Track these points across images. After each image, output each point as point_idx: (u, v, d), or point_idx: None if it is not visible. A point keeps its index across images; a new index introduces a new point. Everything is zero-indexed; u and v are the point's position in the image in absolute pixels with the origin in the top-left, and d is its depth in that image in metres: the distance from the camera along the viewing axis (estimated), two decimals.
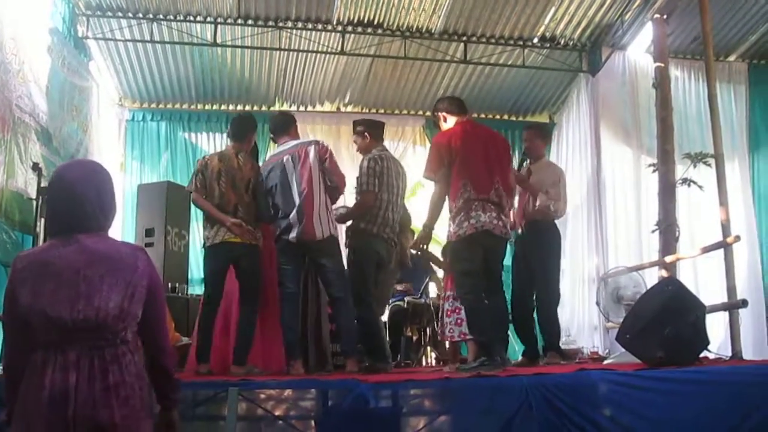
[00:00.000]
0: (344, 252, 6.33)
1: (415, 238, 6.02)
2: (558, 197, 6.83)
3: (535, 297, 6.82)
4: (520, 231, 7.01)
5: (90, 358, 2.50)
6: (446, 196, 5.80)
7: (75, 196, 2.65)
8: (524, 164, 7.29)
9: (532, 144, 7.26)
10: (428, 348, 8.72)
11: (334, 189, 6.02)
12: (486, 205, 5.66)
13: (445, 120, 6.17)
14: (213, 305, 5.94)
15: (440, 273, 8.08)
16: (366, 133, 6.57)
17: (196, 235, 9.69)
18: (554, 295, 6.88)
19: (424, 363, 8.57)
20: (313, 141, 6.14)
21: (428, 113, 12.27)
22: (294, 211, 5.76)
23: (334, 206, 6.22)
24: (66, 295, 2.51)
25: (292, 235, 5.76)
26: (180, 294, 8.23)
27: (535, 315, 6.88)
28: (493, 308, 5.84)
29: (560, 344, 6.91)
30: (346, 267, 6.15)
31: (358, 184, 6.29)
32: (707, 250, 6.80)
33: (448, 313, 7.01)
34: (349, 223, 6.40)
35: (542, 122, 12.32)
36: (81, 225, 2.64)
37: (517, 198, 6.95)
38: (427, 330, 8.50)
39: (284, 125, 6.26)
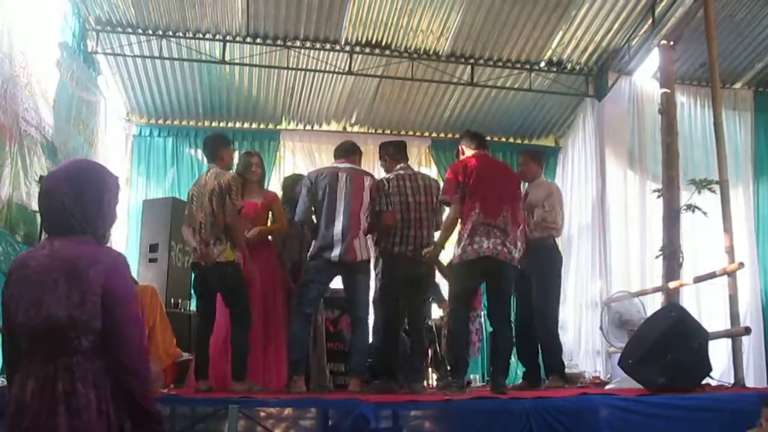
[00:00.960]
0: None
1: (425, 252, 6.06)
2: (552, 208, 6.89)
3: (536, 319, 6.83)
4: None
5: (46, 367, 2.41)
6: (459, 220, 5.88)
7: (52, 199, 2.58)
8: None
9: (527, 167, 7.37)
10: (429, 369, 8.69)
11: (387, 228, 6.18)
12: (491, 230, 5.70)
13: (463, 153, 6.37)
14: (204, 323, 5.99)
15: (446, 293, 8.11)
16: (385, 157, 6.68)
17: None
18: (553, 318, 6.89)
19: (425, 384, 8.53)
20: (369, 173, 6.37)
21: (434, 134, 12.34)
22: (339, 230, 5.83)
23: None
24: (27, 300, 2.45)
25: (334, 254, 5.82)
26: (183, 310, 8.23)
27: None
28: (499, 335, 5.91)
29: (564, 367, 6.92)
30: (375, 289, 6.28)
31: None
32: (709, 277, 6.79)
33: None
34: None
35: (538, 146, 12.32)
36: (58, 228, 2.57)
37: None
38: (429, 351, 8.48)
39: (349, 152, 6.43)
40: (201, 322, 6.02)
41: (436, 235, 6.28)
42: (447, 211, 6.19)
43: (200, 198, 5.94)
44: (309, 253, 6.04)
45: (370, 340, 6.38)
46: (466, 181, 5.83)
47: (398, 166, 6.52)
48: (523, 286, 6.88)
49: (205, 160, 6.45)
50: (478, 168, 5.90)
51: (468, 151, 6.28)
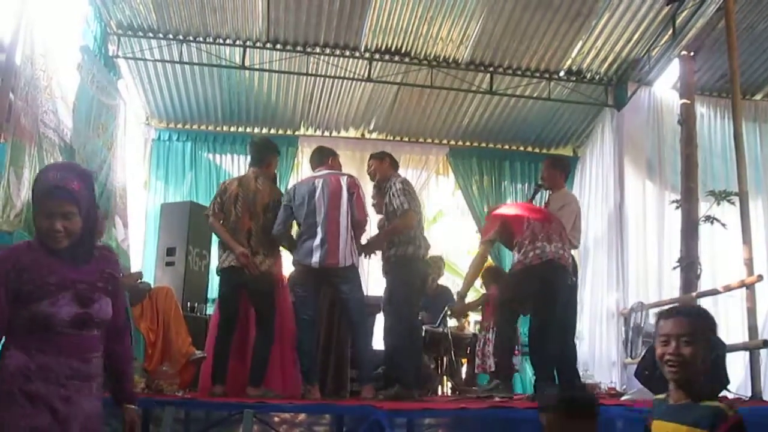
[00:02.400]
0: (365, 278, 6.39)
1: (451, 309, 6.14)
2: (567, 220, 6.86)
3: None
4: None
5: None
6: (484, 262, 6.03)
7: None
8: (537, 194, 7.45)
9: (549, 174, 7.32)
10: (444, 377, 8.69)
11: (357, 224, 6.08)
12: (552, 235, 5.78)
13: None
14: (227, 328, 6.00)
15: None
16: (386, 158, 6.62)
17: (217, 255, 9.75)
18: (570, 328, 6.88)
19: (439, 392, 8.53)
20: (346, 173, 6.26)
21: (452, 142, 12.32)
22: (318, 236, 5.82)
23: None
24: None
25: (314, 260, 5.81)
26: (199, 314, 8.24)
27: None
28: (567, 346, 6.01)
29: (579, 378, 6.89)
30: (390, 294, 6.19)
31: (387, 209, 6.29)
32: (728, 288, 6.76)
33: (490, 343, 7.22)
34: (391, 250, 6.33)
35: (556, 155, 12.21)
36: None
37: None
38: (444, 359, 8.49)
39: (321, 157, 6.40)
40: (224, 327, 6.02)
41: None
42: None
43: (249, 204, 5.96)
44: (291, 261, 6.08)
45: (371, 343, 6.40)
46: (506, 210, 6.07)
47: (394, 173, 6.56)
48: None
49: (249, 161, 6.49)
50: (511, 205, 6.12)
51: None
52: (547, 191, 7.38)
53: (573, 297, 6.66)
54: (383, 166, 6.58)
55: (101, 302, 2.80)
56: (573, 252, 7.35)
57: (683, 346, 2.60)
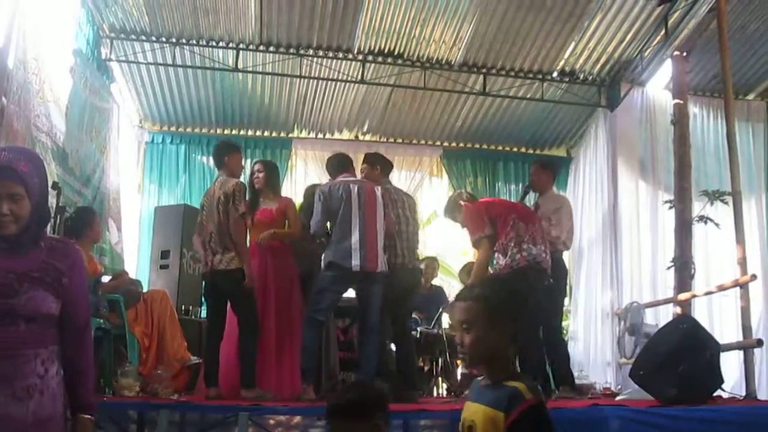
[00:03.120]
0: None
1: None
2: (558, 222, 6.90)
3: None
4: None
5: None
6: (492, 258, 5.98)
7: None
8: (526, 196, 7.49)
9: (538, 177, 7.37)
10: (440, 378, 8.69)
11: (388, 235, 6.27)
12: (536, 237, 5.82)
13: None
14: (214, 331, 6.03)
15: None
16: (377, 165, 6.70)
17: None
18: (557, 330, 6.92)
19: (435, 394, 8.53)
20: (375, 183, 6.41)
21: (446, 143, 12.33)
22: (356, 240, 5.85)
23: None
24: None
25: (355, 263, 5.81)
26: (193, 317, 8.25)
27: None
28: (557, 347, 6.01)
29: (574, 378, 6.91)
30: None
31: None
32: (722, 288, 6.77)
33: None
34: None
35: (550, 156, 12.27)
36: None
37: None
38: (439, 360, 8.48)
39: (346, 164, 6.52)
40: (211, 330, 6.07)
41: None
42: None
43: (209, 208, 6.00)
44: (324, 263, 6.04)
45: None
46: (492, 204, 6.00)
47: (385, 181, 6.64)
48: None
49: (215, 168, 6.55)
50: (494, 201, 6.06)
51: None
52: (536, 193, 7.42)
53: (552, 297, 6.70)
54: (374, 174, 6.66)
55: (33, 295, 2.50)
56: (565, 253, 7.40)
57: (464, 333, 2.45)
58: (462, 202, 6.53)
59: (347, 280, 6.01)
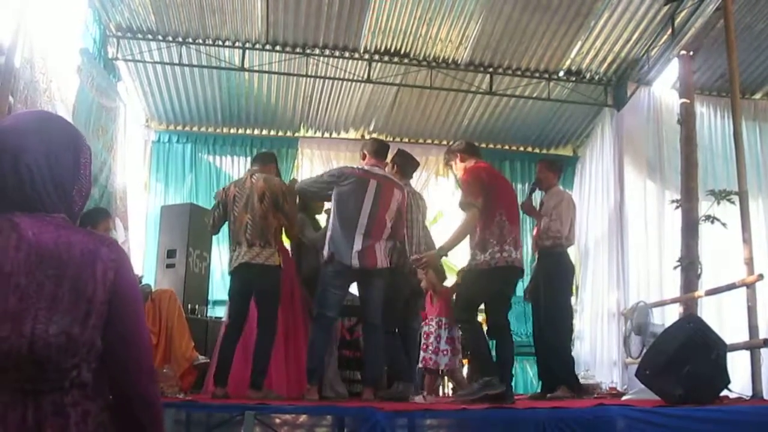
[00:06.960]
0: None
1: (423, 256, 5.97)
2: (558, 217, 6.89)
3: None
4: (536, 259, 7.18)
5: (22, 410, 1.57)
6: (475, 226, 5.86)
7: (16, 160, 1.71)
8: (533, 194, 7.50)
9: (544, 176, 7.37)
10: (445, 378, 8.68)
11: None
12: (518, 240, 5.82)
13: (462, 160, 6.30)
14: (235, 328, 5.93)
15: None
16: (396, 165, 6.60)
17: (218, 257, 9.77)
18: (562, 328, 6.89)
19: (440, 393, 8.53)
20: (400, 184, 6.22)
21: (452, 143, 12.30)
22: (360, 237, 5.77)
23: None
24: None
25: (354, 261, 5.74)
26: (200, 316, 8.24)
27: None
28: (508, 345, 5.95)
29: (577, 378, 6.90)
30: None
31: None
32: (729, 288, 6.75)
33: (447, 340, 7.20)
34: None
35: (555, 155, 12.31)
36: (19, 202, 1.71)
37: (535, 230, 7.14)
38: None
39: (384, 152, 6.34)
40: (233, 327, 5.93)
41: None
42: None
43: (243, 199, 5.92)
44: (326, 254, 5.92)
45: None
46: (492, 184, 5.87)
47: (403, 182, 6.48)
48: (536, 296, 6.90)
49: (248, 164, 6.49)
50: (495, 177, 5.96)
51: (468, 159, 6.27)
52: (543, 191, 7.42)
53: (551, 293, 6.80)
54: (391, 173, 6.51)
55: None
56: (571, 251, 7.38)
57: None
58: (462, 163, 6.35)
59: (348, 276, 5.94)
